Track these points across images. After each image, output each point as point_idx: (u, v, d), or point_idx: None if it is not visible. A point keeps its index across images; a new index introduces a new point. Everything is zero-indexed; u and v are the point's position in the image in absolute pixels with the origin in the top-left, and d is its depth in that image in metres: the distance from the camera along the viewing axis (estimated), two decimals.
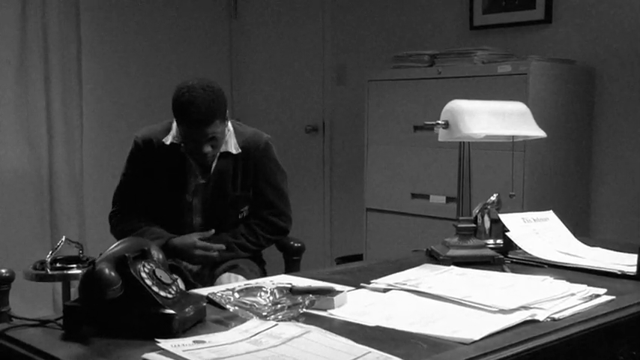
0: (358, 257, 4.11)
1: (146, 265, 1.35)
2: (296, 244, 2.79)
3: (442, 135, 1.86)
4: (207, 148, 2.48)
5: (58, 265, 2.97)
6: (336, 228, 4.82)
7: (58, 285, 4.10)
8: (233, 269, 2.55)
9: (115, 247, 1.37)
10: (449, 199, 3.53)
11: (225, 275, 2.52)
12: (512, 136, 1.90)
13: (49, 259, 2.92)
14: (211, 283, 2.52)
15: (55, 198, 4.43)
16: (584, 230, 3.46)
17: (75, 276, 2.95)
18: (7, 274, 2.45)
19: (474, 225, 1.95)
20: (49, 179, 4.43)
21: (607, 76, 3.51)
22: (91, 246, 4.21)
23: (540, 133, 1.88)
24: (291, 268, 2.78)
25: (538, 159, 3.24)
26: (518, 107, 1.92)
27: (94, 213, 4.48)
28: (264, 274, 2.75)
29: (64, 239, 2.95)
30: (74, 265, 2.96)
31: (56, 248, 2.93)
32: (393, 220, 3.83)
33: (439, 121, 1.84)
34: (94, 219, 4.46)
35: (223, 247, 2.57)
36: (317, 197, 4.88)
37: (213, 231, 2.57)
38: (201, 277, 2.62)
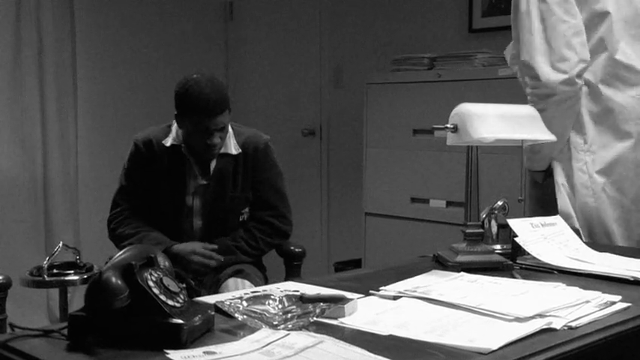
0: (357, 262, 4.08)
1: (153, 273, 1.31)
2: (297, 250, 2.76)
3: (451, 139, 1.83)
4: (217, 139, 2.50)
5: (54, 271, 2.92)
6: (333, 233, 4.79)
7: (53, 291, 4.05)
8: (239, 274, 2.52)
9: (121, 254, 1.33)
10: (449, 204, 3.51)
11: (232, 280, 2.49)
12: (522, 140, 1.87)
13: (46, 265, 2.87)
14: (216, 289, 2.49)
15: (50, 202, 4.39)
16: None
17: (72, 282, 2.91)
18: (4, 281, 2.40)
19: (482, 230, 1.92)
20: (44, 183, 4.39)
21: None
22: (86, 251, 4.16)
23: (551, 137, 1.85)
24: (291, 274, 2.75)
25: None
26: (528, 111, 1.89)
27: (89, 218, 4.44)
28: (265, 280, 2.72)
29: (61, 245, 2.91)
30: (71, 271, 2.92)
31: (53, 254, 2.88)
32: (393, 224, 3.80)
33: (448, 125, 1.80)
34: (89, 224, 4.41)
35: (222, 259, 2.54)
36: (314, 201, 4.84)
37: (216, 247, 2.55)
38: (205, 282, 2.58)
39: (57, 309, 4.12)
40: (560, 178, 2.36)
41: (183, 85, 2.47)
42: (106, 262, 1.32)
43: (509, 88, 3.24)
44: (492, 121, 1.78)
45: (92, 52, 4.66)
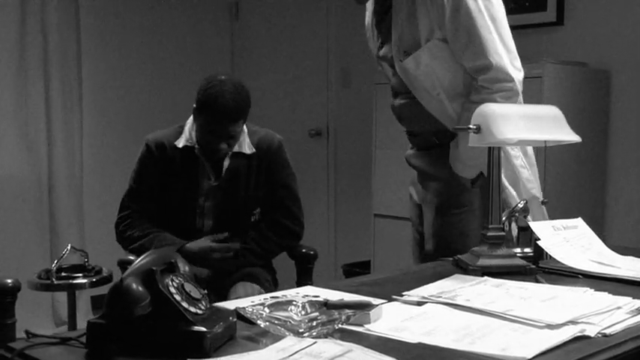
0: (365, 264, 4.03)
1: (174, 279, 1.27)
2: (309, 252, 2.72)
3: (473, 140, 1.79)
4: (224, 145, 2.46)
5: (63, 274, 2.87)
6: (341, 234, 4.74)
7: (58, 293, 4.01)
8: (248, 278, 2.48)
9: (141, 260, 1.29)
10: None
11: (240, 284, 2.45)
12: (545, 141, 1.82)
13: (54, 268, 2.82)
14: (225, 292, 2.45)
15: (55, 203, 4.35)
16: (599, 235, 3.39)
17: (81, 285, 2.86)
18: (13, 285, 2.35)
19: (503, 233, 1.88)
20: (49, 184, 4.34)
21: (622, 79, 3.45)
22: (91, 253, 4.12)
23: (575, 138, 1.81)
24: (303, 277, 2.70)
25: (553, 163, 3.17)
26: (552, 111, 1.85)
27: (94, 219, 4.40)
28: (275, 283, 2.68)
29: (69, 247, 2.86)
30: (80, 274, 2.87)
31: (62, 257, 2.83)
32: (402, 226, 3.74)
33: (471, 126, 1.76)
34: (94, 225, 4.37)
35: (238, 245, 2.50)
36: (322, 203, 4.80)
37: (227, 234, 2.50)
38: (214, 286, 2.53)
39: (63, 311, 4.08)
40: (504, 179, 2.19)
41: (208, 83, 2.42)
42: (125, 268, 1.28)
43: (523, 89, 3.20)
44: (516, 122, 1.74)
45: (97, 52, 4.62)
